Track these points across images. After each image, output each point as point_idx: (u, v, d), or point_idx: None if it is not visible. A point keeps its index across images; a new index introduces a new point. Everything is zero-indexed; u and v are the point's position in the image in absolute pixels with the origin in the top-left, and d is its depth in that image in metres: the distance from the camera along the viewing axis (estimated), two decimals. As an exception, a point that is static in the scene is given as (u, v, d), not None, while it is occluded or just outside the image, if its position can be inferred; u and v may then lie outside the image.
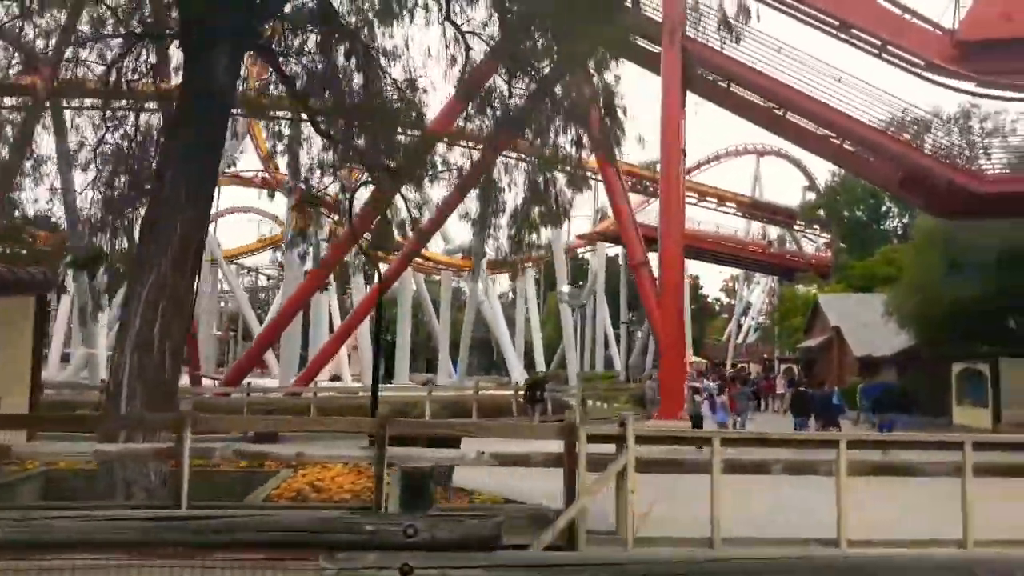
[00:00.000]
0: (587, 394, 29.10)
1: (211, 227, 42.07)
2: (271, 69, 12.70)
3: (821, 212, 51.90)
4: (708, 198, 51.43)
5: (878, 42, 24.64)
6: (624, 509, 7.50)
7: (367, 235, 14.89)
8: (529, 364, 57.92)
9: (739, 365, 60.04)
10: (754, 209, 53.95)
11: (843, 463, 7.86)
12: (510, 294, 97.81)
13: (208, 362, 72.95)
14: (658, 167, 50.07)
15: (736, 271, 72.99)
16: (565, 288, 31.32)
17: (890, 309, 31.26)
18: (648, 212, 53.15)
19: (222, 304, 73.32)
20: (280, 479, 11.05)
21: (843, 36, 25.07)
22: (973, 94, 24.36)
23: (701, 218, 55.70)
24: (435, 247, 58.79)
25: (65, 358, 45.14)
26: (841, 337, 37.81)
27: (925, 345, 31.37)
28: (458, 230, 52.74)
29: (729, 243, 51.11)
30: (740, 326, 77.33)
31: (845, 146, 24.46)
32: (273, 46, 11.84)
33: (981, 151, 23.24)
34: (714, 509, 7.45)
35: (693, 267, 78.70)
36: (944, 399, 29.87)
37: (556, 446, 7.73)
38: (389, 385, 37.20)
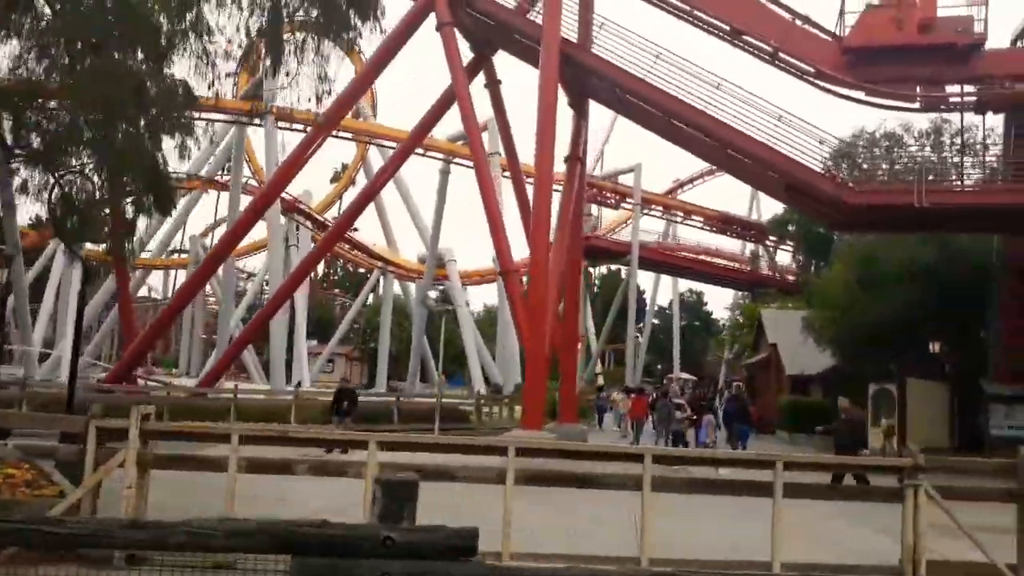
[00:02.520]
0: (486, 402, 28.91)
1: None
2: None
3: (790, 227, 50.83)
4: (673, 211, 50.71)
5: (769, 49, 24.02)
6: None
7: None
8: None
9: (734, 383, 58.97)
10: (724, 224, 53.03)
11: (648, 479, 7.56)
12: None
13: (192, 364, 73.96)
14: (621, 179, 50.08)
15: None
16: (431, 294, 31.10)
17: (807, 327, 30.52)
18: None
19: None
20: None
21: (736, 43, 24.51)
22: (862, 102, 23.57)
23: (687, 235, 55.46)
24: (411, 254, 59.15)
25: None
26: (778, 354, 36.93)
27: (846, 364, 30.52)
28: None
29: (687, 256, 50.35)
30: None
31: (733, 154, 23.83)
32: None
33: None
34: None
35: (694, 283, 78.17)
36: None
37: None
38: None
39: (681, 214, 51.36)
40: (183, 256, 63.32)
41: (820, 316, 29.46)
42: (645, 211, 54.15)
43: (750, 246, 57.54)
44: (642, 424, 27.94)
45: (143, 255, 64.93)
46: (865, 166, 23.05)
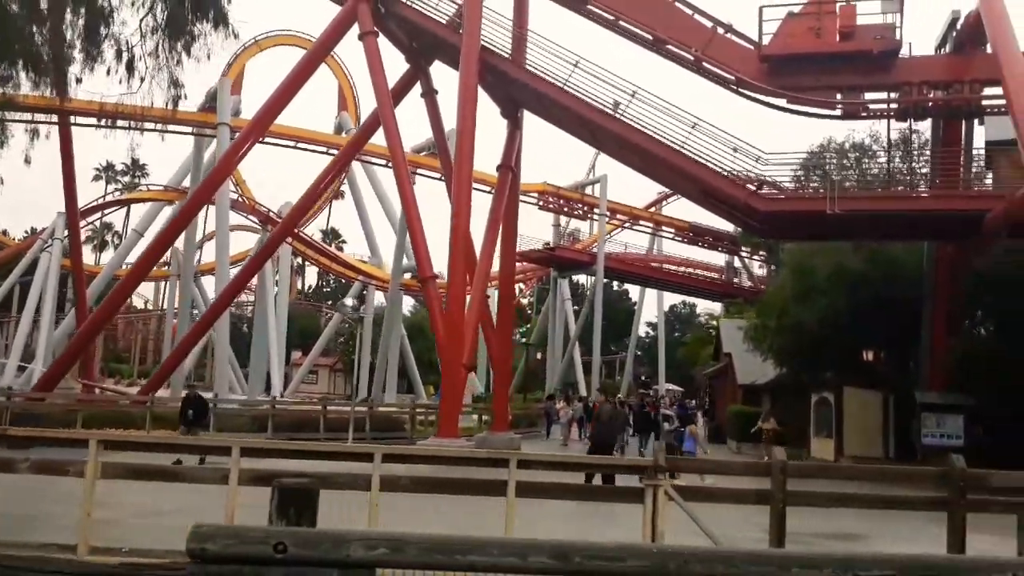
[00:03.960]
0: (423, 412, 28.93)
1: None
2: None
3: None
4: (643, 222, 50.67)
5: (691, 58, 24.04)
6: None
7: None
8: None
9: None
10: (696, 235, 52.92)
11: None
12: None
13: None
14: (589, 189, 50.10)
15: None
16: (348, 302, 31.11)
17: (746, 337, 30.37)
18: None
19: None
20: None
21: (660, 51, 24.55)
22: (785, 110, 23.50)
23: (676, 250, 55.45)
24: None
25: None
26: (732, 364, 36.72)
27: (788, 373, 30.35)
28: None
29: (652, 266, 50.26)
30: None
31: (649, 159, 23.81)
32: None
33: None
34: None
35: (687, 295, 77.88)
36: (807, 429, 28.90)
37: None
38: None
39: (652, 224, 51.31)
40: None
41: (757, 325, 29.30)
42: (627, 224, 54.30)
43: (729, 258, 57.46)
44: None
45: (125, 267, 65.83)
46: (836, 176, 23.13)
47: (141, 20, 12.81)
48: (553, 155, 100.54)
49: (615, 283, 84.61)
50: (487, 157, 28.90)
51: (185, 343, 30.64)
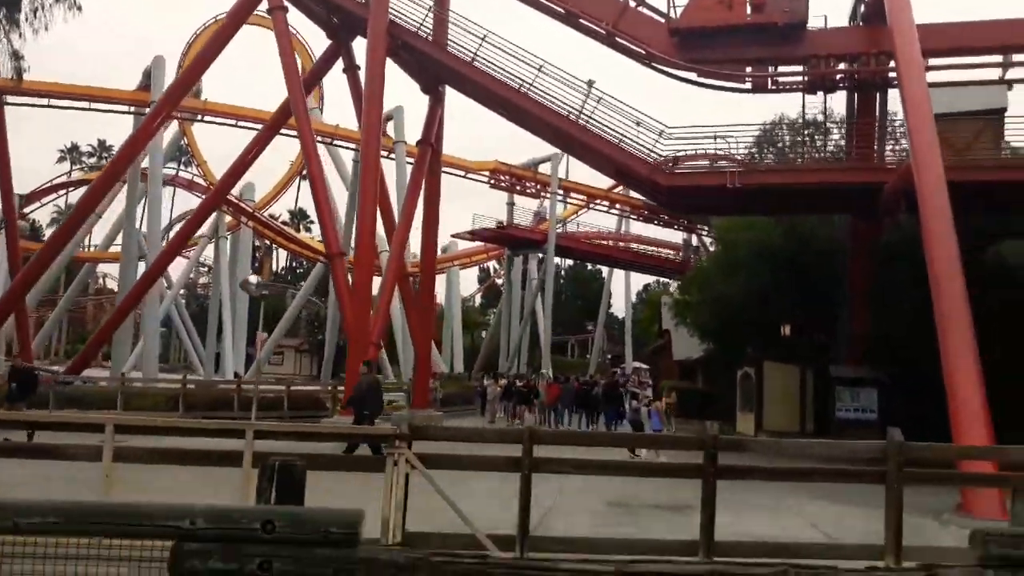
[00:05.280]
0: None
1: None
2: None
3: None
4: (599, 201, 50.50)
5: (603, 32, 23.81)
6: None
7: None
8: (468, 366, 57.80)
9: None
10: (651, 213, 52.69)
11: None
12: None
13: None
14: (541, 168, 49.78)
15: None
16: (252, 279, 30.96)
17: (673, 312, 30.45)
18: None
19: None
20: None
21: (573, 25, 24.31)
22: (695, 83, 23.33)
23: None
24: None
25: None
26: (671, 340, 36.83)
27: (714, 348, 30.45)
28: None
29: (604, 244, 50.23)
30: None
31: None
32: None
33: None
34: None
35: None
36: (735, 404, 29.03)
37: None
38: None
39: (607, 204, 51.16)
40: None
41: (679, 301, 29.36)
42: (593, 205, 54.13)
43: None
44: (557, 410, 28.94)
45: (94, 248, 65.28)
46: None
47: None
48: (513, 134, 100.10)
49: (590, 264, 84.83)
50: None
51: (111, 321, 30.35)
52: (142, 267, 36.19)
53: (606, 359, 75.19)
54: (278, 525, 2.13)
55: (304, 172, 66.83)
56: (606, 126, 22.29)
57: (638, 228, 59.91)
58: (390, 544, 7.49)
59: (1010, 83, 22.77)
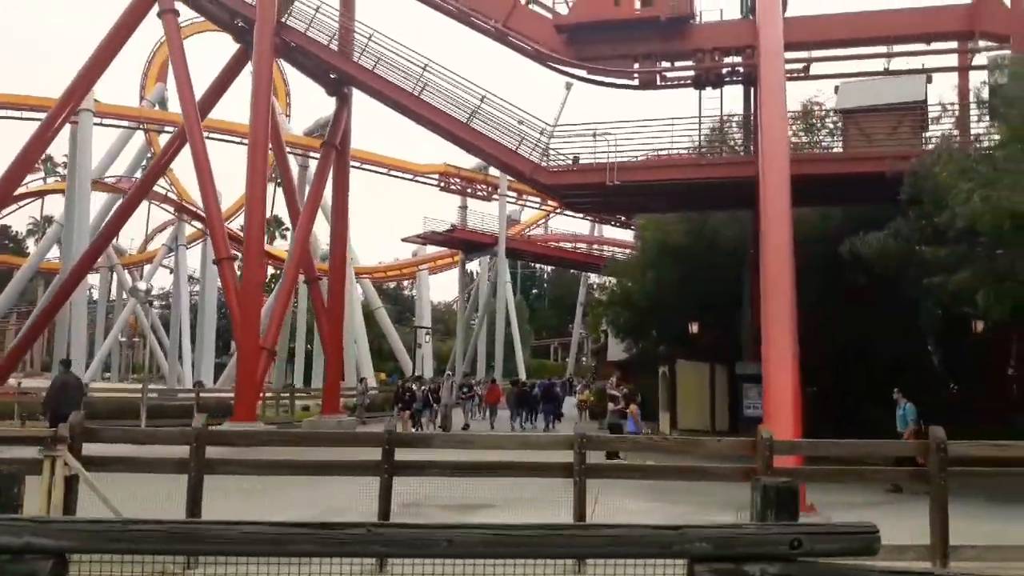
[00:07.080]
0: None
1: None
2: None
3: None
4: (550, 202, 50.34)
5: (494, 30, 23.66)
6: None
7: None
8: (440, 371, 57.61)
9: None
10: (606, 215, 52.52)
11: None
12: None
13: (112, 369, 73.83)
14: (493, 170, 49.63)
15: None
16: (141, 285, 30.93)
17: (592, 312, 30.31)
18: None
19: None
20: None
21: (466, 23, 24.18)
22: (585, 80, 23.18)
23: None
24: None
25: None
26: (608, 340, 36.64)
27: (631, 347, 30.29)
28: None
29: (555, 246, 50.03)
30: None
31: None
32: None
33: None
34: None
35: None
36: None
37: None
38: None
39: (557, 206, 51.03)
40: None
41: (593, 302, 29.24)
42: (560, 210, 54.04)
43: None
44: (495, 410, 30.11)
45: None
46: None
47: None
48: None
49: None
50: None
51: (35, 326, 30.17)
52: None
53: (583, 362, 75.03)
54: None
55: (279, 180, 67.13)
56: (500, 127, 22.28)
57: (611, 231, 59.67)
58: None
59: (929, 75, 22.53)
